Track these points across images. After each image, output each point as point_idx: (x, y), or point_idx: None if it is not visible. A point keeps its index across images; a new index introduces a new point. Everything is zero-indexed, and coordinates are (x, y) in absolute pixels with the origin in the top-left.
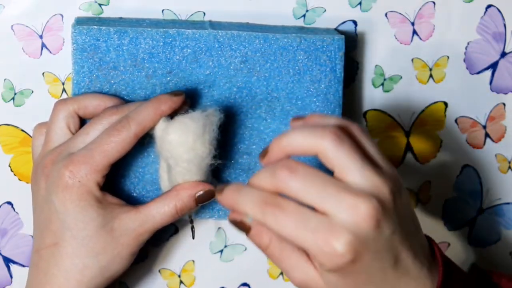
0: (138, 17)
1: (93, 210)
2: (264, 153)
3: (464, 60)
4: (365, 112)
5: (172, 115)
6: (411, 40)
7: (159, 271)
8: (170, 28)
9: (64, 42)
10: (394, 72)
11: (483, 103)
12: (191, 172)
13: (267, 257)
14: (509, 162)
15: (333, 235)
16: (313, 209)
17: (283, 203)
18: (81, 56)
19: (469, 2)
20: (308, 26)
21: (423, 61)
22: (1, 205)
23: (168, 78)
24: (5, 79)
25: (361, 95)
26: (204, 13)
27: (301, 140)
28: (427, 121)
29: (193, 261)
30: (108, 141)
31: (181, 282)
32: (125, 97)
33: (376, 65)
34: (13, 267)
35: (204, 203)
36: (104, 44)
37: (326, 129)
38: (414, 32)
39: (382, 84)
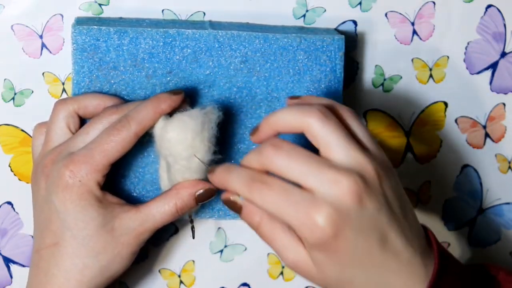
0: (138, 17)
1: (93, 209)
2: (254, 131)
3: (464, 60)
4: (365, 112)
5: (171, 114)
6: (411, 40)
7: (159, 271)
8: (170, 28)
9: (64, 42)
10: (394, 72)
11: (483, 103)
12: (191, 170)
13: (260, 238)
14: (509, 162)
15: (314, 208)
16: (299, 186)
17: (268, 180)
18: (81, 56)
19: (469, 2)
20: (308, 26)
21: (423, 61)
22: (1, 205)
23: (168, 78)
24: (5, 79)
25: (361, 95)
26: (204, 13)
27: (288, 118)
28: (427, 121)
29: (193, 261)
30: (108, 140)
31: (181, 282)
32: (125, 97)
33: (376, 65)
34: (13, 267)
35: (204, 202)
36: (104, 44)
37: (313, 107)
38: (414, 32)
39: (382, 84)
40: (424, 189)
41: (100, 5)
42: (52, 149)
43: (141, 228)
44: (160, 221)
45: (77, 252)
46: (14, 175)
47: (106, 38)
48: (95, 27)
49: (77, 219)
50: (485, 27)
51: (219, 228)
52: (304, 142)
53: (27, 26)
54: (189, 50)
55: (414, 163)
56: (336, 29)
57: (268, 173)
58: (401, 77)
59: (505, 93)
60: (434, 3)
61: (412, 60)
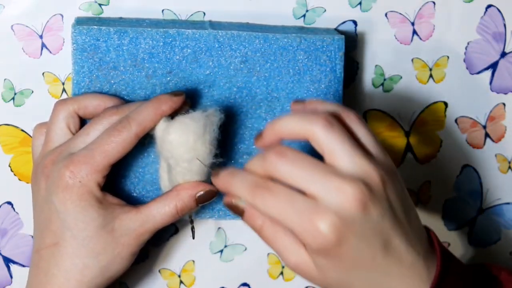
0: (138, 17)
1: (93, 210)
2: (258, 136)
3: (464, 60)
4: (365, 112)
5: (172, 115)
6: (411, 40)
7: (159, 271)
8: (170, 28)
9: (64, 42)
10: (394, 72)
11: (483, 103)
12: (192, 172)
13: (262, 240)
14: (509, 162)
15: (317, 215)
16: (303, 193)
17: (272, 186)
18: (81, 56)
19: (469, 2)
20: (308, 26)
21: (423, 61)
22: (1, 205)
23: (168, 78)
24: (5, 79)
25: (361, 95)
26: (204, 13)
27: (293, 125)
28: (427, 121)
29: (193, 261)
30: (108, 141)
31: (181, 282)
32: (125, 97)
33: (376, 65)
34: (13, 267)
35: (204, 203)
36: (104, 44)
37: (318, 114)
38: (414, 32)
39: (382, 84)
40: (424, 189)
41: (100, 5)
42: (52, 150)
43: (141, 229)
44: (160, 222)
45: (77, 252)
46: (14, 175)
47: (106, 38)
48: (95, 27)
49: (77, 219)
50: (485, 27)
51: (219, 228)
52: (308, 148)
53: (27, 26)
54: (189, 50)
55: (414, 163)
56: (336, 29)
57: (272, 179)
58: (401, 77)
59: (505, 93)
60: (434, 3)
61: (412, 60)
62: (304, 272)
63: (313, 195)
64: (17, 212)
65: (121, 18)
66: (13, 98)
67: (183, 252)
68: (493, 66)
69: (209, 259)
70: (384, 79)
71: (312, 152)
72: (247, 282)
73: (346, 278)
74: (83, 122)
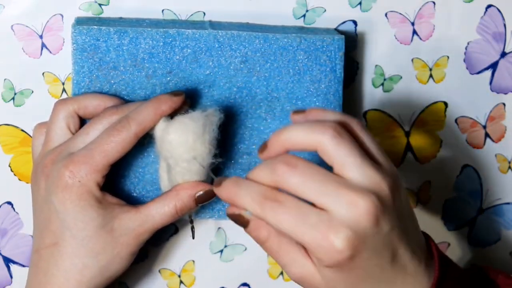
0: (138, 17)
1: (93, 210)
2: (263, 148)
3: (464, 60)
4: (365, 112)
5: (172, 115)
6: (411, 40)
7: (159, 271)
8: (170, 28)
9: (64, 42)
10: (394, 72)
11: (483, 103)
12: (191, 172)
13: (265, 252)
14: (509, 162)
15: (332, 231)
16: (312, 205)
17: (282, 198)
18: (81, 56)
19: (469, 2)
20: (308, 26)
21: (423, 61)
22: (1, 205)
23: (168, 78)
24: (5, 79)
25: (361, 95)
26: (204, 13)
27: (300, 136)
28: (427, 121)
29: (193, 261)
30: (108, 141)
31: (181, 282)
32: (125, 97)
33: (376, 65)
34: (13, 267)
35: (204, 203)
36: (104, 44)
37: (326, 124)
38: (414, 32)
39: (382, 84)
40: (424, 189)
41: (100, 5)
42: (52, 149)
43: (140, 229)
44: (159, 222)
45: (77, 252)
46: (14, 175)
47: (106, 38)
48: (95, 27)
49: (76, 219)
50: (485, 27)
51: (219, 228)
52: (312, 157)
53: (27, 26)
54: (189, 50)
55: (414, 163)
56: (336, 29)
57: (278, 189)
58: (401, 77)
59: (505, 93)
60: (434, 3)
61: (412, 60)
62: (310, 284)
63: (325, 207)
64: (17, 212)
65: (121, 18)
66: (13, 98)
67: (183, 252)
68: (493, 66)
69: (209, 259)
70: (384, 79)
71: (318, 161)
72: (247, 282)
73: None
74: (83, 122)
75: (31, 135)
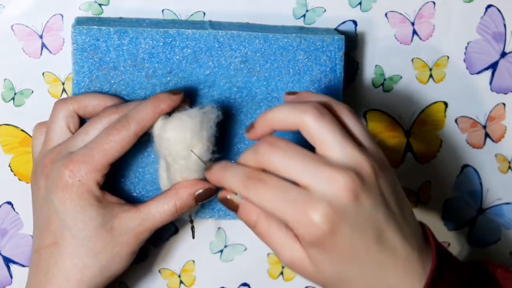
0: (138, 17)
1: (92, 209)
2: (250, 128)
3: (464, 60)
4: (365, 112)
5: (170, 113)
6: (411, 40)
7: (159, 271)
8: (170, 28)
9: (64, 42)
10: (394, 72)
11: (483, 103)
12: (190, 169)
13: (257, 236)
14: (509, 162)
15: (310, 206)
16: (296, 184)
17: (264, 177)
18: (81, 56)
19: (469, 2)
20: (308, 26)
21: (423, 61)
22: (1, 205)
23: (168, 78)
24: (5, 79)
25: (361, 95)
26: (204, 13)
27: (284, 115)
28: (427, 121)
29: (193, 261)
30: (107, 140)
31: (181, 282)
32: (125, 97)
33: (376, 65)
34: (13, 267)
35: (203, 202)
36: (104, 44)
37: (310, 104)
38: (414, 32)
39: (382, 84)
40: (424, 189)
41: (100, 5)
42: (52, 149)
43: (140, 228)
44: (159, 221)
45: (77, 252)
46: (14, 175)
47: (106, 38)
48: (95, 27)
49: (76, 219)
50: (485, 27)
51: (219, 228)
52: (301, 140)
53: (27, 26)
54: (189, 50)
55: (414, 163)
56: (336, 29)
57: (265, 171)
58: (401, 77)
59: (505, 93)
60: (434, 3)
61: (412, 60)
62: (300, 268)
63: (305, 185)
64: (17, 212)
65: (121, 18)
66: (13, 98)
67: (183, 252)
68: (493, 66)
69: (209, 259)
70: (384, 79)
71: (305, 144)
72: (247, 282)
73: (341, 273)
74: (82, 121)
75: (31, 135)
